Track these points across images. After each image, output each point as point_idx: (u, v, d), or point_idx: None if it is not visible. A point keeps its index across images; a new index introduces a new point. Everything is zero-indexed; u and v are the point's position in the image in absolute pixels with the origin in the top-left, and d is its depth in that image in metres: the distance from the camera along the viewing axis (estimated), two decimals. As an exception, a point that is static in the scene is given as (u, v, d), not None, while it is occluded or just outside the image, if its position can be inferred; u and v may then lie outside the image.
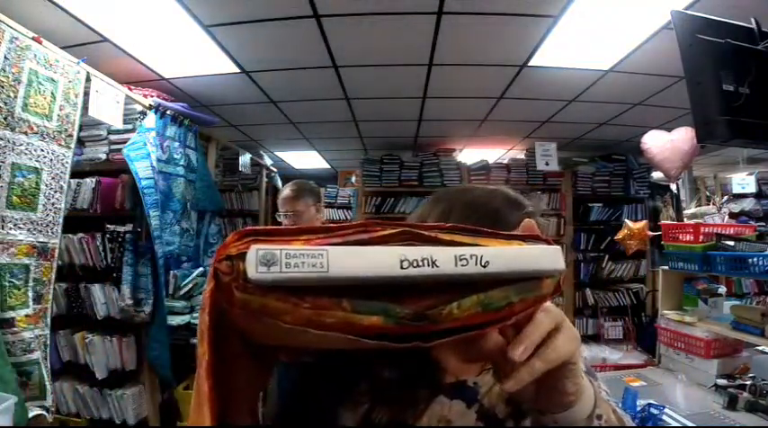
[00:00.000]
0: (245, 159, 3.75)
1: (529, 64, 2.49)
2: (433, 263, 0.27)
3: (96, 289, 2.30)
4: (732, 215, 4.08)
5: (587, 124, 3.69)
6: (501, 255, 0.29)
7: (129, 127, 2.34)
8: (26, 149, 1.52)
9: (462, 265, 0.27)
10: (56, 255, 1.66)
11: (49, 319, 1.62)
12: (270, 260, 0.23)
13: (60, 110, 1.65)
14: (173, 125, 2.54)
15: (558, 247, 0.33)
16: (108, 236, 2.32)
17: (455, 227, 0.31)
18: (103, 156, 2.41)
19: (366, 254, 0.26)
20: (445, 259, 0.27)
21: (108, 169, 2.42)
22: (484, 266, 0.28)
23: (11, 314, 1.47)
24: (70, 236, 2.32)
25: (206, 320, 0.26)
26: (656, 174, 4.08)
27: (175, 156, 2.57)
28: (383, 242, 0.27)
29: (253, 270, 0.23)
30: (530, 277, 0.30)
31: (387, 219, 0.37)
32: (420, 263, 0.26)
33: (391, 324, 0.26)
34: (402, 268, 0.26)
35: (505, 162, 4.42)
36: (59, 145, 1.66)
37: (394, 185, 4.10)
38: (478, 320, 0.29)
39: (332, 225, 0.27)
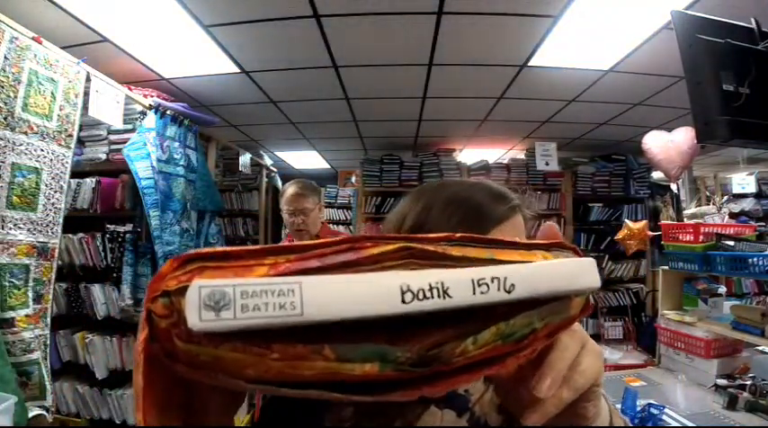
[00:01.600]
0: (245, 159, 3.75)
1: (529, 64, 2.49)
2: (445, 292, 0.21)
3: (96, 289, 2.30)
4: (732, 215, 4.08)
5: (587, 124, 3.69)
6: (529, 276, 0.23)
7: (129, 127, 2.34)
8: (26, 149, 1.52)
9: (482, 292, 0.21)
10: (56, 255, 1.66)
11: (49, 319, 1.62)
12: (219, 301, 0.17)
13: (60, 110, 1.65)
14: (173, 125, 2.54)
15: (593, 260, 0.27)
16: (108, 236, 2.32)
17: (465, 238, 0.25)
18: (103, 156, 2.41)
19: (354, 285, 0.19)
20: (460, 285, 0.21)
21: (108, 169, 2.42)
22: (509, 291, 0.22)
23: (11, 314, 1.47)
24: (70, 236, 2.32)
25: (140, 383, 0.19)
26: (656, 174, 4.08)
27: (175, 156, 2.57)
28: (376, 262, 0.21)
29: (194, 316, 0.17)
30: (557, 297, 0.25)
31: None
32: (427, 294, 0.20)
33: (389, 371, 0.21)
34: (404, 302, 0.20)
35: (505, 162, 4.42)
36: (59, 145, 1.65)
37: (394, 185, 4.10)
38: (495, 353, 0.24)
39: (308, 243, 0.21)
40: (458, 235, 0.25)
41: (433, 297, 0.20)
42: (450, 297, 0.21)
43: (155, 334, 0.19)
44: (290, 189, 1.83)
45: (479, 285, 0.22)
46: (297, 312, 0.18)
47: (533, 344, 0.25)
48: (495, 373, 0.25)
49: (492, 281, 0.22)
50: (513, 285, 0.22)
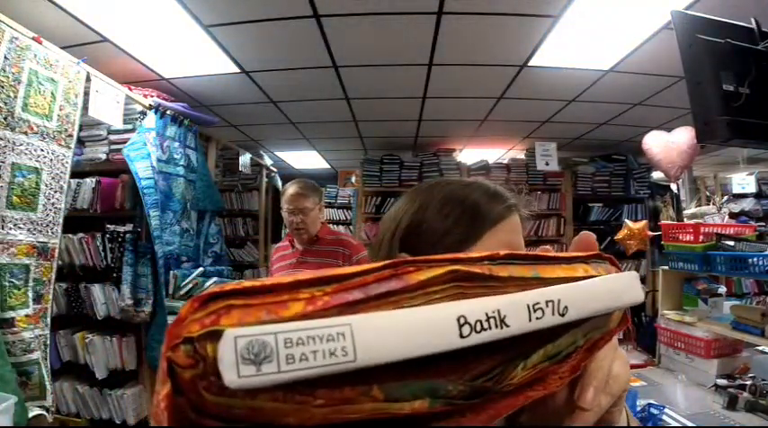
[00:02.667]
0: (245, 159, 3.75)
1: (529, 64, 2.49)
2: (503, 321, 0.19)
3: (96, 289, 2.30)
4: (732, 215, 4.08)
5: (587, 124, 3.69)
6: (581, 296, 0.23)
7: (129, 127, 2.34)
8: (26, 149, 1.52)
9: (537, 318, 0.20)
10: (56, 255, 1.66)
11: (49, 319, 1.62)
12: (259, 353, 0.15)
13: (60, 110, 1.65)
14: (173, 125, 2.54)
15: (636, 274, 0.27)
16: (108, 236, 2.32)
17: (510, 256, 0.23)
18: (103, 156, 2.41)
19: (409, 322, 0.17)
20: (516, 313, 0.20)
21: (108, 169, 2.42)
22: (562, 314, 0.21)
23: (11, 314, 1.47)
24: (70, 236, 2.32)
25: None
26: (656, 174, 4.08)
27: (175, 156, 2.57)
28: (422, 288, 0.19)
29: (232, 373, 0.14)
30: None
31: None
32: (485, 325, 0.19)
33: (440, 406, 0.19)
34: (462, 337, 0.18)
35: (505, 162, 4.42)
36: (59, 145, 1.66)
37: (394, 185, 4.10)
38: (538, 375, 0.23)
39: (344, 270, 0.18)
40: (502, 253, 0.23)
41: (490, 327, 0.19)
42: (507, 326, 0.19)
43: (178, 386, 0.16)
44: (290, 188, 1.82)
45: (535, 311, 0.20)
46: (349, 359, 0.16)
47: (576, 361, 0.25)
48: (539, 395, 0.23)
49: (547, 305, 0.21)
50: (566, 308, 0.22)
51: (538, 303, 0.21)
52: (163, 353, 0.16)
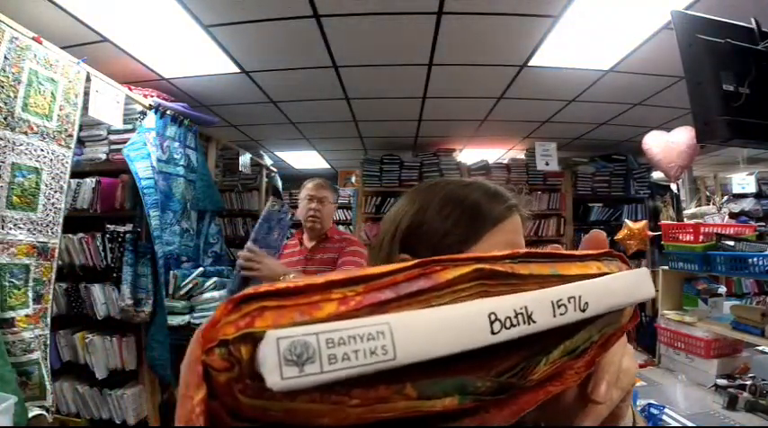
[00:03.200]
0: (245, 159, 3.75)
1: (529, 64, 2.49)
2: (530, 317, 0.20)
3: (96, 289, 2.30)
4: (732, 215, 4.08)
5: (587, 124, 3.69)
6: (600, 292, 0.23)
7: (129, 127, 2.34)
8: (26, 149, 1.52)
9: (561, 314, 0.21)
10: (56, 255, 1.66)
11: (49, 319, 1.62)
12: (302, 354, 0.15)
13: (60, 110, 1.65)
14: (173, 125, 2.54)
15: (647, 270, 0.28)
16: (108, 236, 2.32)
17: (530, 254, 0.24)
18: (103, 156, 2.41)
19: (444, 320, 0.18)
20: (542, 310, 0.20)
21: (108, 169, 2.42)
22: (583, 310, 0.22)
23: (11, 314, 1.47)
24: (70, 236, 2.32)
25: None
26: (656, 174, 4.08)
27: (175, 156, 2.57)
28: (450, 286, 0.20)
29: (275, 374, 0.14)
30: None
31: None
32: (514, 321, 0.19)
33: (469, 402, 0.19)
34: (494, 333, 0.18)
35: (505, 162, 4.42)
36: (59, 145, 1.66)
37: (394, 185, 4.10)
38: (557, 370, 0.23)
39: (368, 271, 0.18)
40: (522, 251, 0.24)
41: (519, 324, 0.19)
42: (534, 322, 0.20)
43: (213, 390, 0.16)
44: (312, 181, 1.88)
45: (559, 307, 0.21)
46: (389, 356, 0.16)
47: (591, 357, 0.25)
48: (558, 390, 0.24)
49: (569, 302, 0.22)
50: (586, 303, 0.22)
51: (560, 300, 0.21)
52: (195, 357, 0.16)
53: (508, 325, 0.19)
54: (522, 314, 0.20)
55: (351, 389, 0.16)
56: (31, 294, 1.54)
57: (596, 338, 0.25)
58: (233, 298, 0.16)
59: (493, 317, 0.19)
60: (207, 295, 2.52)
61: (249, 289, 0.16)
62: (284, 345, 0.15)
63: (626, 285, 0.25)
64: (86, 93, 1.82)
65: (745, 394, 1.59)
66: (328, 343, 0.15)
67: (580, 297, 0.22)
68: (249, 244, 1.46)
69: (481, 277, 0.21)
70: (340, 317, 0.16)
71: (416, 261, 0.20)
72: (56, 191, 1.65)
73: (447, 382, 0.19)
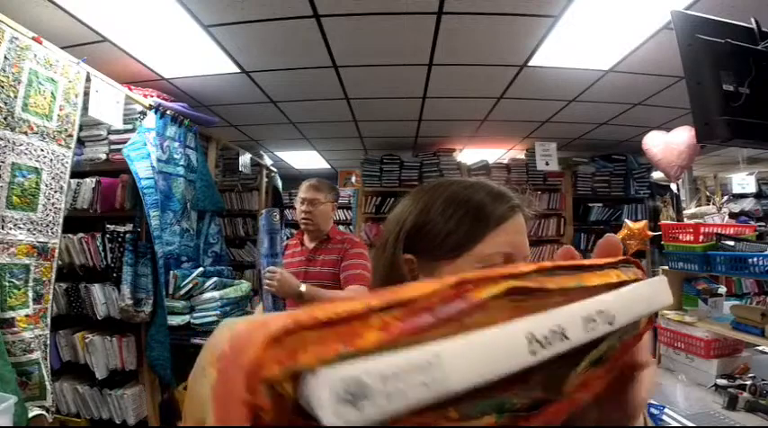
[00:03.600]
0: (245, 159, 3.75)
1: (529, 64, 2.49)
2: (563, 334, 0.20)
3: (96, 289, 2.30)
4: (732, 215, 4.09)
5: (587, 124, 3.69)
6: (625, 304, 0.24)
7: (129, 127, 2.34)
8: (26, 149, 1.52)
9: (592, 329, 0.21)
10: (56, 255, 1.66)
11: (48, 319, 1.62)
12: (357, 393, 0.14)
13: (60, 110, 1.65)
14: (173, 125, 2.54)
15: (665, 278, 0.29)
16: (108, 236, 2.32)
17: (556, 267, 0.24)
18: (103, 156, 2.41)
19: (486, 344, 0.18)
20: (574, 326, 0.21)
21: (108, 169, 2.42)
22: (611, 323, 0.22)
23: (11, 314, 1.47)
24: (70, 236, 2.32)
25: None
26: (656, 174, 4.08)
27: (175, 156, 2.57)
28: (484, 307, 0.20)
29: (330, 416, 0.14)
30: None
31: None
32: (551, 341, 0.19)
33: (504, 420, 0.20)
34: (532, 354, 0.19)
35: (505, 162, 4.42)
36: (59, 145, 1.66)
37: (394, 185, 4.10)
38: (584, 379, 0.24)
39: (403, 294, 0.18)
40: (548, 264, 0.24)
41: (554, 342, 0.19)
42: (567, 339, 0.20)
43: None
44: (306, 181, 1.88)
45: (589, 321, 0.21)
46: (443, 388, 0.16)
47: (612, 363, 0.26)
48: (585, 398, 0.24)
49: (598, 316, 0.22)
50: (614, 316, 0.22)
51: (591, 315, 0.22)
52: (237, 397, 0.15)
53: (545, 344, 0.19)
54: (556, 332, 0.20)
55: (399, 418, 0.16)
56: (31, 294, 1.54)
57: (618, 345, 0.26)
58: (271, 333, 0.15)
59: (530, 337, 0.19)
60: (207, 295, 2.52)
61: (288, 319, 0.16)
62: (338, 385, 0.14)
63: (648, 294, 0.26)
64: (86, 94, 1.82)
65: (745, 394, 1.59)
66: (382, 380, 0.15)
67: (608, 310, 0.22)
68: (265, 261, 1.59)
69: (516, 293, 0.21)
70: (383, 346, 0.16)
71: (448, 280, 0.20)
72: (56, 191, 1.65)
73: (486, 402, 0.19)
